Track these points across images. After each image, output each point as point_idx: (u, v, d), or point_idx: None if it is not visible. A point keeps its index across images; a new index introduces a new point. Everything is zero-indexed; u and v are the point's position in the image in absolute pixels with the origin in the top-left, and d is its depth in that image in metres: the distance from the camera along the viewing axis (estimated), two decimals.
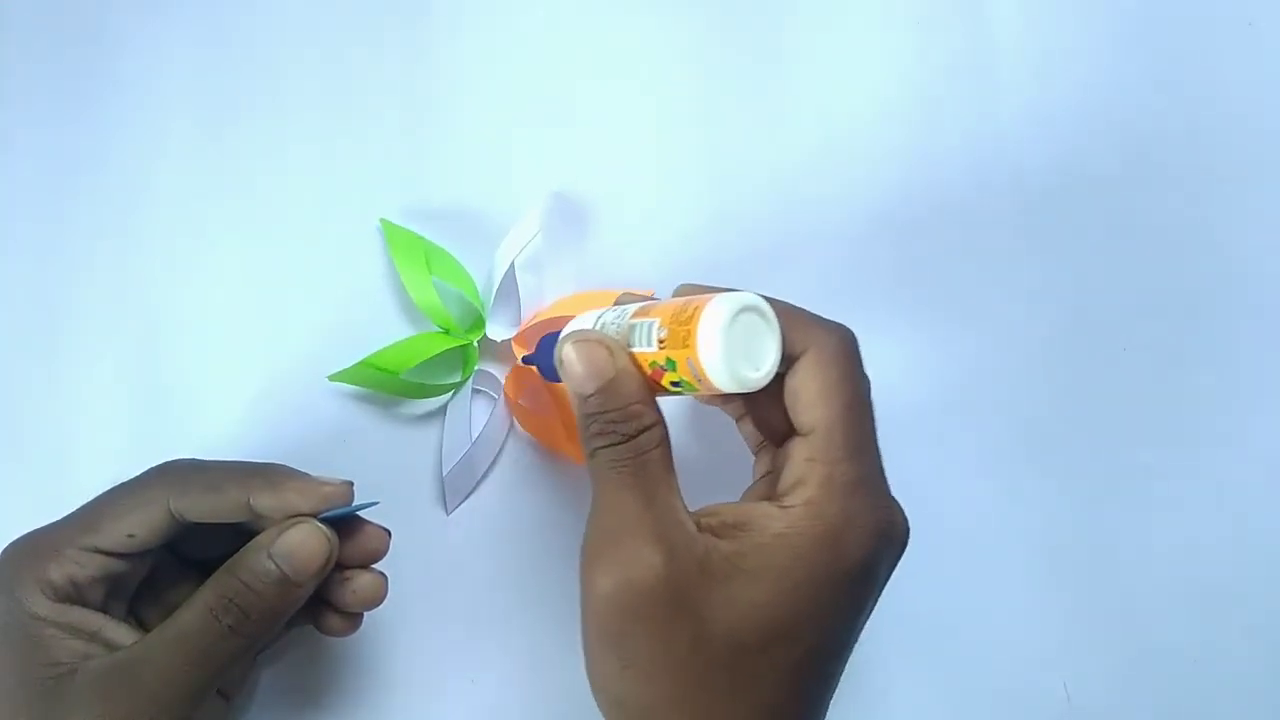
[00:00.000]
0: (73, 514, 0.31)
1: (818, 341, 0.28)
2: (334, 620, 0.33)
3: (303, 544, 0.30)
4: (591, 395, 0.27)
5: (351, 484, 0.31)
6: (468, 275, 0.38)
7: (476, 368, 0.38)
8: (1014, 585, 0.39)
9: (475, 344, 0.38)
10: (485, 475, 0.38)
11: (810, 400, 0.28)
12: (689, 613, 0.26)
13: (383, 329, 0.38)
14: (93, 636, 0.30)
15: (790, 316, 0.28)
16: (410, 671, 0.38)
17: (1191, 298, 0.40)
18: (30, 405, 0.39)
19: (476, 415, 0.38)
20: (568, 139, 0.40)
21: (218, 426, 0.38)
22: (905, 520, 0.29)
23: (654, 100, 0.40)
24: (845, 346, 0.28)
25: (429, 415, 0.38)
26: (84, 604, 0.30)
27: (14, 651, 0.29)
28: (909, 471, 0.39)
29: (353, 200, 0.39)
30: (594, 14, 0.40)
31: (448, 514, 0.38)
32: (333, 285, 0.39)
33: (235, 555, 0.30)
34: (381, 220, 0.39)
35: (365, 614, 0.34)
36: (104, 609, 0.31)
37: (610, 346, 0.28)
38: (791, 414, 0.28)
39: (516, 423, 0.38)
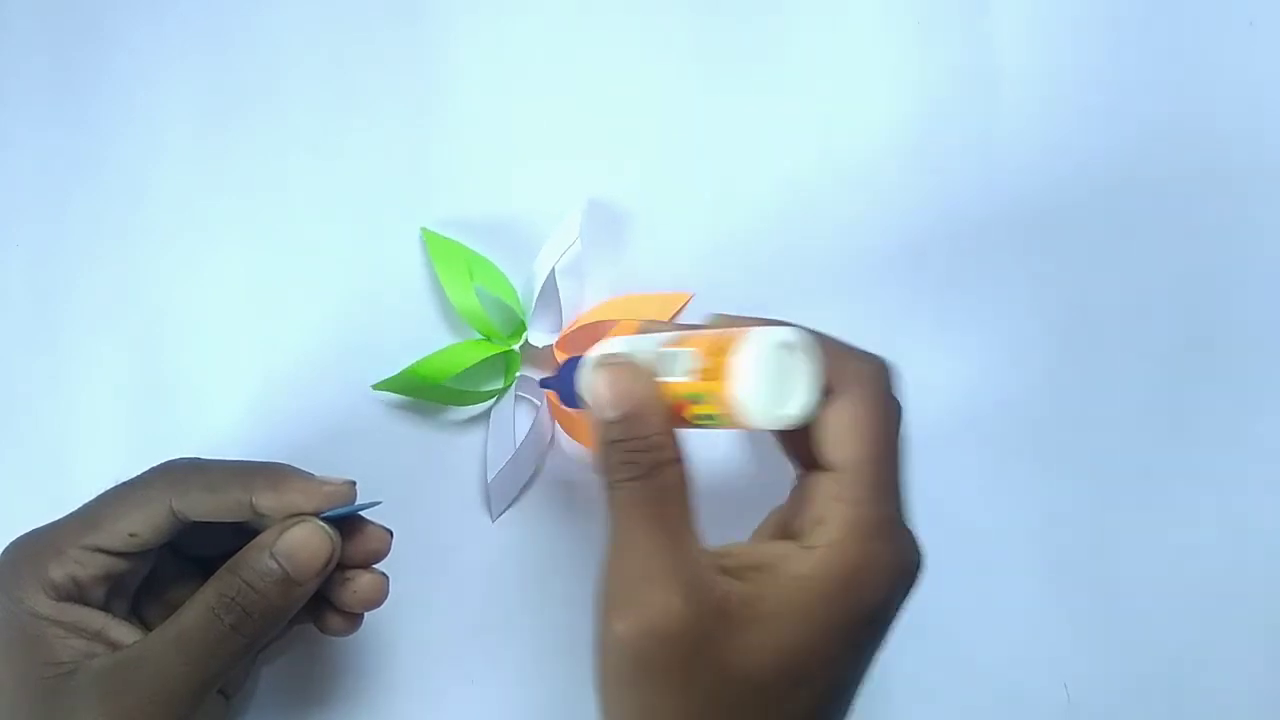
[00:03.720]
0: (74, 513, 0.31)
1: (853, 375, 0.28)
2: (334, 620, 0.33)
3: (305, 543, 0.30)
4: (615, 421, 0.27)
5: (354, 483, 0.32)
6: (509, 282, 0.39)
7: (519, 374, 0.39)
8: (1014, 585, 0.39)
9: (517, 350, 0.39)
10: (530, 481, 0.39)
11: (840, 436, 0.27)
12: (709, 660, 0.25)
13: (425, 337, 0.39)
14: (95, 635, 0.30)
15: (826, 348, 0.28)
16: (410, 671, 0.38)
17: (1192, 298, 0.40)
18: (37, 404, 0.39)
19: (520, 421, 0.39)
20: (603, 145, 0.40)
21: (258, 435, 0.39)
22: (920, 553, 0.28)
23: (680, 105, 0.41)
24: (881, 381, 0.28)
25: (473, 421, 0.39)
26: (86, 603, 0.30)
27: (15, 651, 0.29)
28: (909, 471, 0.40)
29: (394, 210, 0.40)
30: (624, 22, 0.41)
31: (493, 520, 0.38)
32: (375, 294, 0.39)
33: (237, 554, 0.30)
34: (423, 229, 0.39)
35: (367, 614, 0.34)
36: (106, 608, 0.31)
37: (639, 372, 0.27)
38: (818, 448, 0.28)
39: (559, 428, 0.39)
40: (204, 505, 0.31)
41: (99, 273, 0.40)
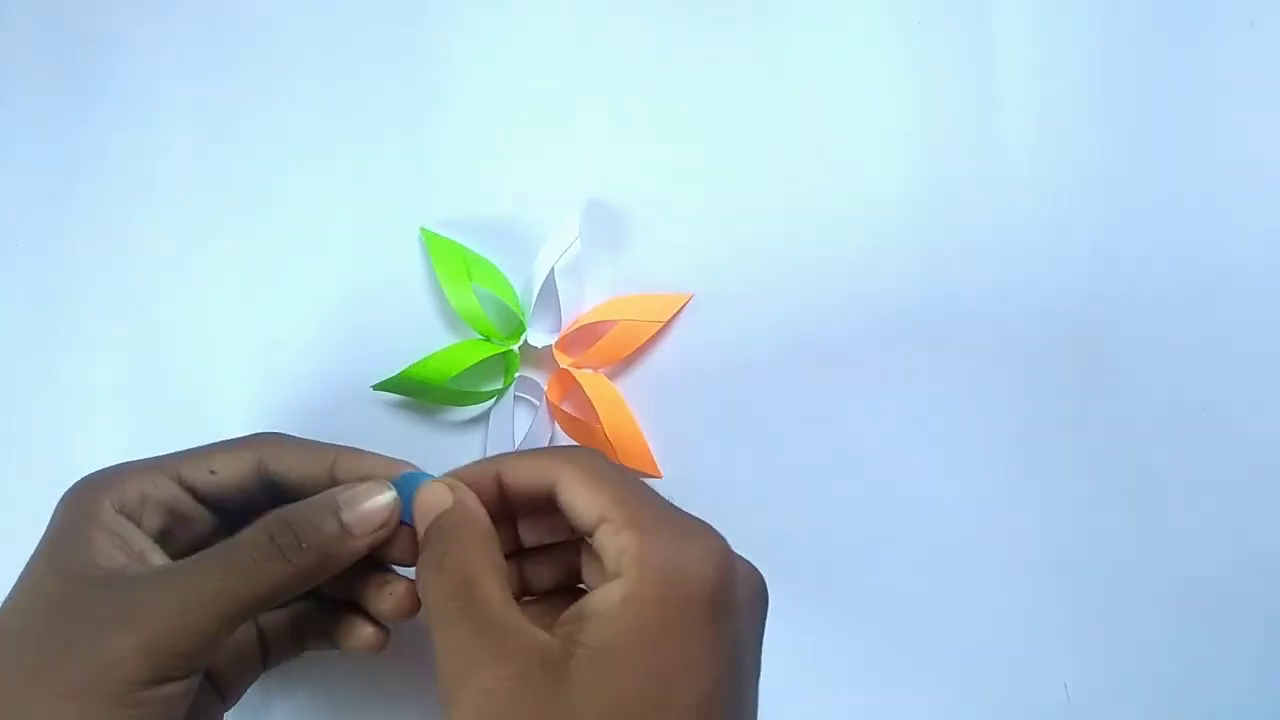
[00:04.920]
0: None
1: (562, 459, 0.29)
2: (363, 631, 0.33)
3: (368, 495, 0.30)
4: (422, 540, 0.29)
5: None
6: (508, 282, 0.39)
7: (518, 374, 0.39)
8: (1014, 585, 0.39)
9: (516, 350, 0.39)
10: None
11: (585, 502, 0.28)
12: (554, 716, 0.24)
13: (425, 337, 0.39)
14: (137, 555, 0.29)
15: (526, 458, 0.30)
16: (410, 674, 0.38)
17: (1191, 298, 0.40)
18: (36, 404, 0.39)
19: (519, 421, 0.39)
20: (603, 145, 0.40)
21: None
22: (723, 544, 0.27)
23: (680, 105, 0.41)
24: (590, 462, 0.29)
25: (473, 421, 0.39)
26: (139, 527, 0.30)
27: (63, 547, 0.29)
28: (910, 469, 0.40)
29: (394, 211, 0.40)
30: (624, 22, 0.41)
31: None
32: (375, 295, 0.40)
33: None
34: (422, 229, 0.39)
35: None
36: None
37: (449, 486, 0.30)
38: (577, 523, 0.28)
39: (559, 428, 0.39)
40: (290, 460, 0.31)
41: (99, 273, 0.40)
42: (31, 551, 0.29)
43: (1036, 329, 0.40)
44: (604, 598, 0.26)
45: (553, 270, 0.38)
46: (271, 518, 0.29)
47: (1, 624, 0.28)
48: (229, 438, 0.32)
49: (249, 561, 0.28)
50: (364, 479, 0.31)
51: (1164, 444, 0.40)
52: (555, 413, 0.38)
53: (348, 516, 0.30)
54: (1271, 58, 0.42)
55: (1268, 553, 0.40)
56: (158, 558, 0.30)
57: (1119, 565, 0.39)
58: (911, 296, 0.40)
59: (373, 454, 0.32)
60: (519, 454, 0.30)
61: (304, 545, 0.29)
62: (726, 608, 0.26)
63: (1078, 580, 0.39)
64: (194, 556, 0.29)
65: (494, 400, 0.39)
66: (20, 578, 0.29)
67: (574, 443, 0.39)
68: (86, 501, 0.30)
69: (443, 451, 0.39)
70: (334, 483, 0.31)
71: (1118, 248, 0.41)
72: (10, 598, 0.29)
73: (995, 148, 0.41)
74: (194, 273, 0.40)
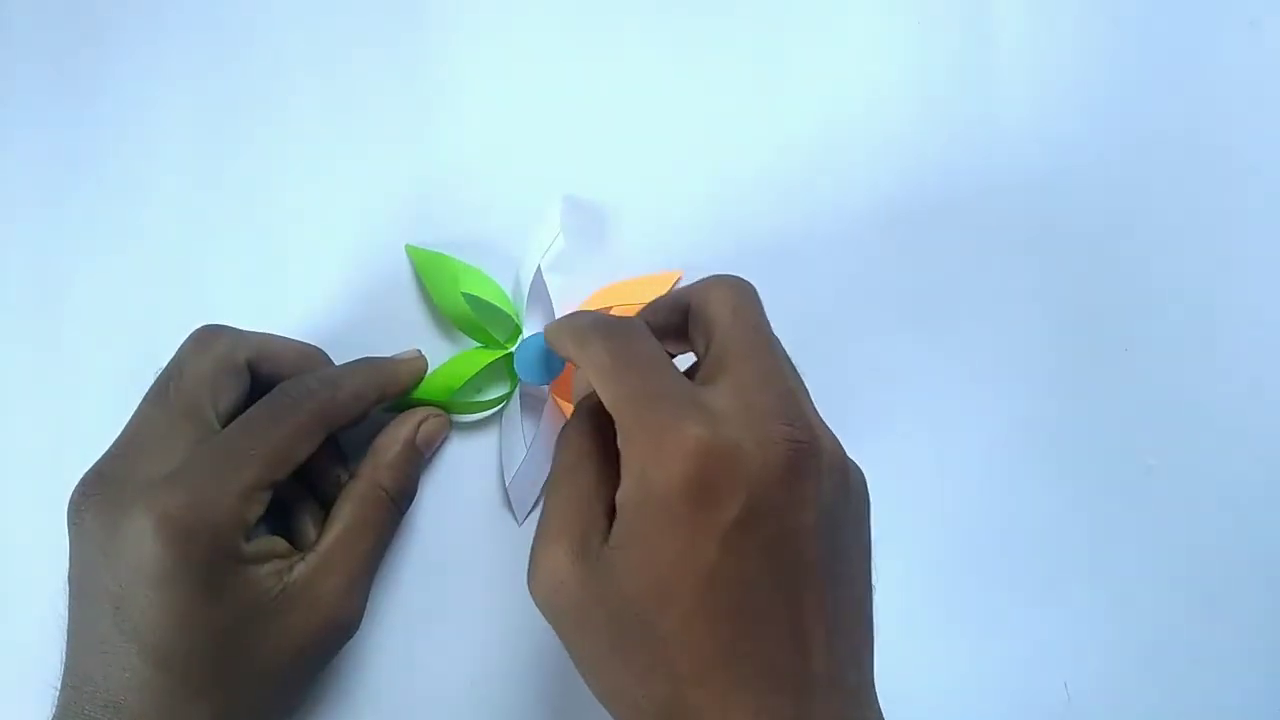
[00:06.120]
0: (249, 446, 0.32)
1: (585, 354, 0.30)
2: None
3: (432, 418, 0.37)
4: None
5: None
6: (498, 286, 0.39)
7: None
8: (1014, 585, 0.39)
9: (515, 351, 0.38)
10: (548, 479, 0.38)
11: (606, 402, 0.29)
12: (596, 599, 0.27)
13: (425, 352, 0.38)
14: (284, 554, 0.33)
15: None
16: (452, 675, 0.37)
17: (1191, 298, 0.40)
18: (35, 405, 0.39)
19: (529, 421, 0.39)
20: (573, 142, 0.40)
21: None
22: (751, 432, 0.27)
23: (655, 99, 0.41)
24: (601, 349, 0.30)
25: (482, 424, 0.39)
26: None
27: (222, 593, 0.30)
28: (909, 471, 0.40)
29: (384, 231, 0.40)
30: (622, 20, 0.41)
31: (519, 523, 0.38)
32: (372, 314, 0.39)
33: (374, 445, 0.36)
34: (407, 246, 0.39)
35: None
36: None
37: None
38: None
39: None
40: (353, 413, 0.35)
41: (99, 273, 0.40)
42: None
43: (1037, 326, 0.40)
44: (619, 498, 0.28)
45: (539, 267, 0.38)
46: (369, 469, 0.35)
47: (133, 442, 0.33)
48: (279, 400, 0.33)
49: (377, 515, 0.35)
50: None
51: (1166, 442, 0.40)
52: (562, 407, 0.38)
53: (421, 441, 0.37)
54: (1271, 58, 0.41)
55: (1268, 552, 0.39)
56: (276, 542, 0.33)
57: (1119, 565, 0.39)
58: (910, 294, 0.40)
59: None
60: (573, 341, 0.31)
61: (397, 482, 0.35)
62: (703, 498, 0.26)
63: (1078, 580, 0.39)
64: (329, 537, 0.34)
65: (503, 404, 0.38)
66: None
67: None
68: (227, 548, 0.31)
69: (455, 458, 0.38)
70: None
71: (1117, 250, 0.41)
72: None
73: (992, 147, 0.41)
74: (193, 277, 0.40)
